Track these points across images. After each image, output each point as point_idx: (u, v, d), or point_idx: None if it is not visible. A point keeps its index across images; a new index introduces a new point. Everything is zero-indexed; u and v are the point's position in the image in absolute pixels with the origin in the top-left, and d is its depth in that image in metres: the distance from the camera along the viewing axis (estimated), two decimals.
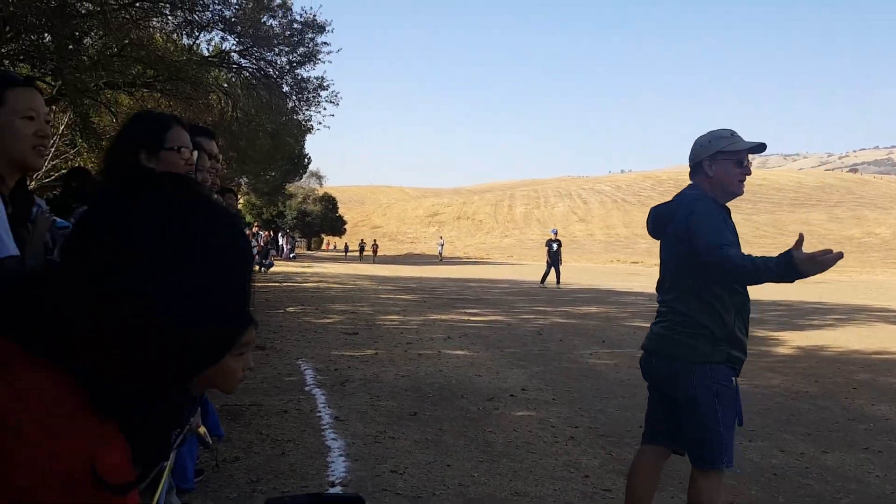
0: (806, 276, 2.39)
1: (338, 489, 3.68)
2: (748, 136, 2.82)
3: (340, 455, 4.25)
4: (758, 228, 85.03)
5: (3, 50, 8.08)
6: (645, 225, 3.10)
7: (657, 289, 2.94)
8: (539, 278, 23.05)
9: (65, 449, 0.75)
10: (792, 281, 2.42)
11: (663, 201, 3.05)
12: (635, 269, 43.79)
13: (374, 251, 50.53)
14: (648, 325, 2.98)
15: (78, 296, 0.78)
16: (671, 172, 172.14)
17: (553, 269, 22.39)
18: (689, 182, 2.94)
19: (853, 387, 6.73)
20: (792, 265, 2.36)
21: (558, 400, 5.96)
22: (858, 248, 63.32)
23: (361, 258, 47.17)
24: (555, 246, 22.53)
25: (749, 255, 2.53)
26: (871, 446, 4.77)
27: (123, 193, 0.82)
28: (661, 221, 2.91)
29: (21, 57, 9.92)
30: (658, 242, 2.98)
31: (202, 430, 2.83)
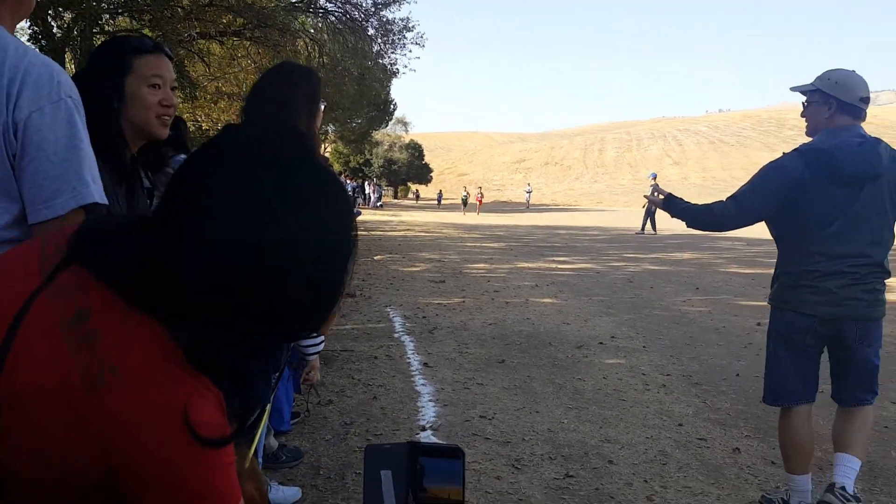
0: None
1: (429, 433, 3.74)
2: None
3: (430, 400, 4.31)
4: None
5: (103, 4, 8.36)
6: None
7: (841, 243, 2.63)
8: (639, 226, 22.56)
9: (155, 397, 0.75)
10: None
11: (807, 142, 2.78)
12: None
13: (479, 201, 43.29)
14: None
15: (188, 246, 0.77)
16: (773, 111, 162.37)
17: (649, 216, 21.74)
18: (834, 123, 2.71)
19: None
20: None
21: (649, 347, 5.84)
22: None
23: (465, 210, 41.18)
24: (649, 191, 21.67)
25: None
26: None
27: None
28: (878, 167, 2.60)
29: (121, 11, 10.29)
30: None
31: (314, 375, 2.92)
